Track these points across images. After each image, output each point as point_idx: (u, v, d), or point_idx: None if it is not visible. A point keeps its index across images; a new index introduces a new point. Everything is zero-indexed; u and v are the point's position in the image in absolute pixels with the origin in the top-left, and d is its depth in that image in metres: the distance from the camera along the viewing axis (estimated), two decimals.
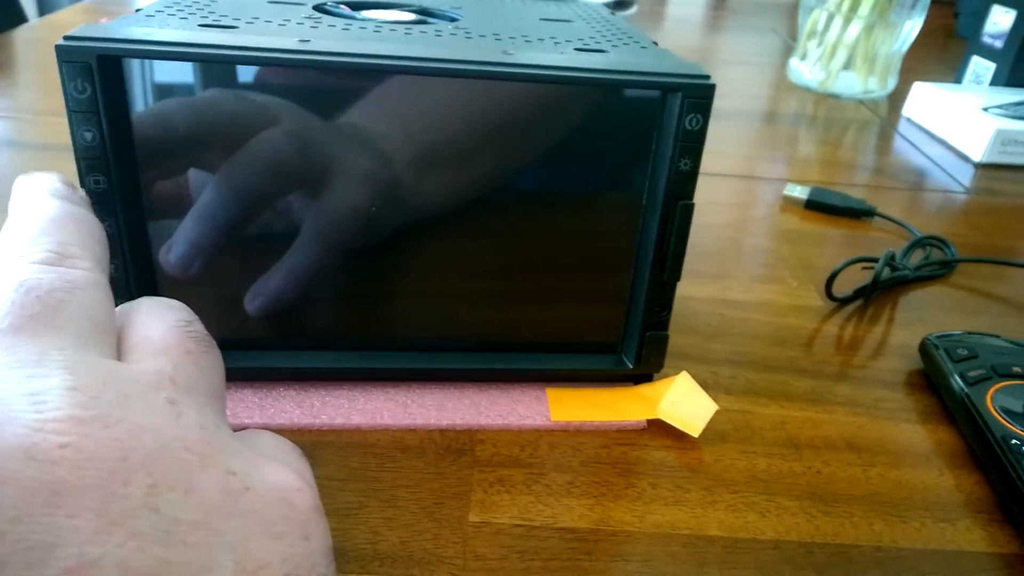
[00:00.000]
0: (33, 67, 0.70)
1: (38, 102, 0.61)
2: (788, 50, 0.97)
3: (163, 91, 0.26)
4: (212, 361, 0.19)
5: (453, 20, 0.35)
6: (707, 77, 0.27)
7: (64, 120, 0.24)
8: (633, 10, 0.93)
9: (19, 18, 0.96)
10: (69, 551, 0.13)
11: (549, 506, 0.26)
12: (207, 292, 0.29)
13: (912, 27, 0.74)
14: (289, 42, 0.25)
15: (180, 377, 0.17)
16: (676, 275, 0.29)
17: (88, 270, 0.18)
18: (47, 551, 0.13)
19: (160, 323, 0.18)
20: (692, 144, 0.27)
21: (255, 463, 0.17)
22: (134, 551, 0.14)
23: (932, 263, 0.45)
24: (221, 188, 0.27)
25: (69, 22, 0.83)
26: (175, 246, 0.28)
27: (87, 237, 0.19)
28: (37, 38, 0.77)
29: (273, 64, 0.25)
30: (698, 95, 0.26)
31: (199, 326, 0.19)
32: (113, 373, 0.16)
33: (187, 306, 0.20)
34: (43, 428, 0.14)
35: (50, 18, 0.85)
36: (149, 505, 0.14)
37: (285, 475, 0.17)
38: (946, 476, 0.29)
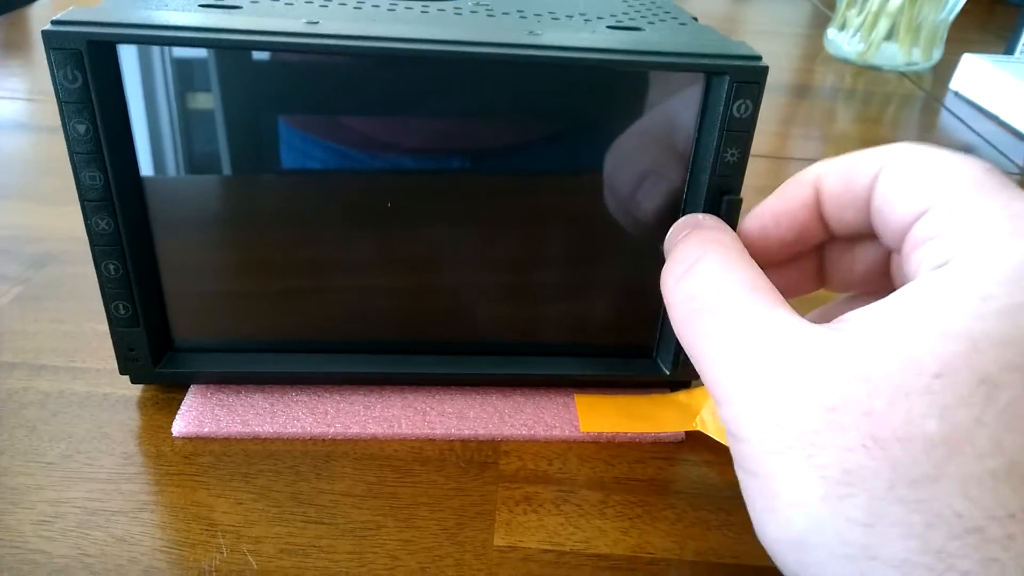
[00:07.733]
0: None
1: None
2: (822, 19, 0.92)
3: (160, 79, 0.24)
4: None
5: None
6: (758, 58, 0.24)
7: None
8: None
9: None
10: None
11: (581, 528, 0.24)
12: (214, 293, 0.28)
13: None
14: (296, 24, 0.23)
15: None
16: None
17: None
18: None
19: None
20: (740, 133, 0.24)
21: None
22: None
23: None
24: None
25: None
26: None
27: None
28: (53, 16, 0.75)
29: (279, 49, 0.23)
30: (748, 78, 0.24)
31: None
32: None
33: None
34: None
35: None
36: None
37: None
38: None
